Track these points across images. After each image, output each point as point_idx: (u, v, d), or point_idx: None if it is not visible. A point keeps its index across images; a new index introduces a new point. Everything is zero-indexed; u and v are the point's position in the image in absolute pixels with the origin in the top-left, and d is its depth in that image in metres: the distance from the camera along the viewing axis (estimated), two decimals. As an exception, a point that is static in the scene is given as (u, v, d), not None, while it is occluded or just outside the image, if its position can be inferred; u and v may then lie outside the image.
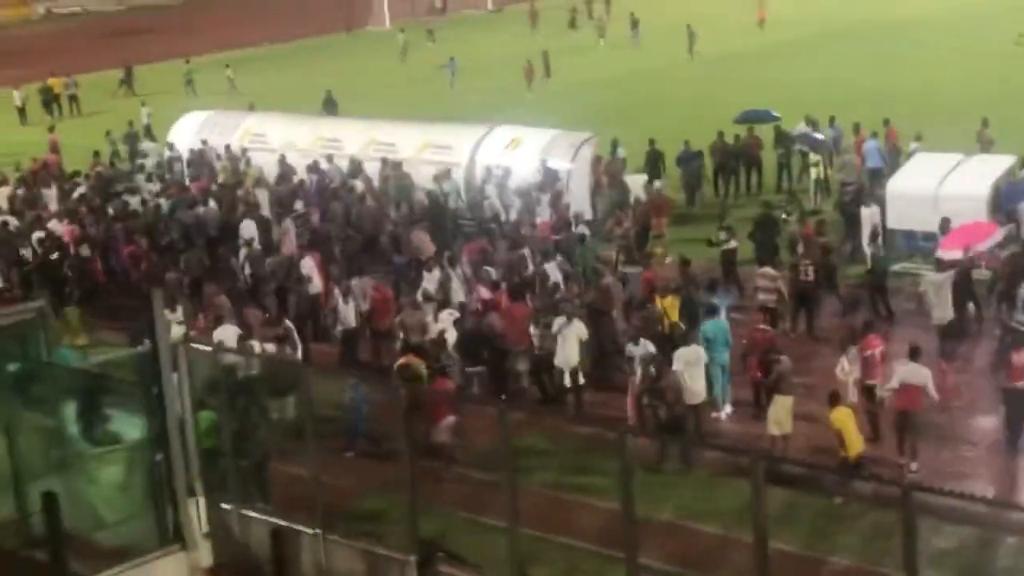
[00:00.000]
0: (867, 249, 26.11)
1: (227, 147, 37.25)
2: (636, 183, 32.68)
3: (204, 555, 15.84)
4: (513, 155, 32.59)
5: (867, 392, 19.82)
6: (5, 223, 31.13)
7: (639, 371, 20.65)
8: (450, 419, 19.59)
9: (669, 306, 22.66)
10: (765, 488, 12.12)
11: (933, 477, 17.81)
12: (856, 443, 18.06)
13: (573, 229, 27.77)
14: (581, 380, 21.80)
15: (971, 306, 23.78)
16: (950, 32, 59.18)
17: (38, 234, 30.19)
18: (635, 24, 65.02)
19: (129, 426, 15.72)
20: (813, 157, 33.60)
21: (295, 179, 33.78)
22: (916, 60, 52.69)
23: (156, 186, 34.93)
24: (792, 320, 24.58)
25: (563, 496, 18.54)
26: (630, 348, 21.10)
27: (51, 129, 47.29)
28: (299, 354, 22.20)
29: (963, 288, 23.20)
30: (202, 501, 15.78)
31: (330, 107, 48.10)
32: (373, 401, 20.41)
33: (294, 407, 18.14)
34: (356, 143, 35.20)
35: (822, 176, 33.24)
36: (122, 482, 15.67)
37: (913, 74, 49.41)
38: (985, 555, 16.53)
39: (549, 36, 66.62)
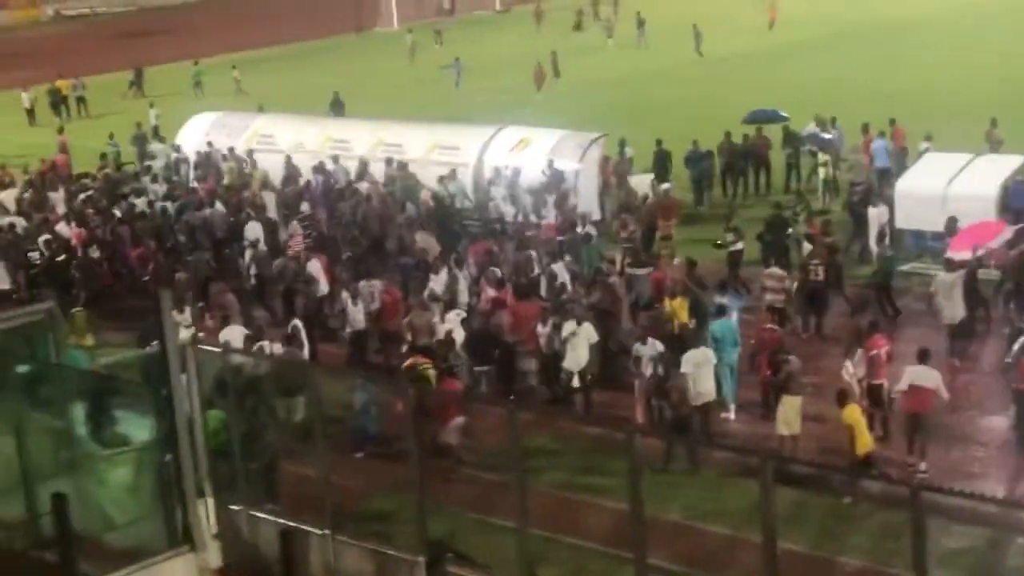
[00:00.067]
0: (874, 249, 26.06)
1: (231, 149, 37.24)
2: (643, 182, 32.67)
3: (213, 556, 15.83)
4: (521, 156, 32.60)
5: (872, 392, 19.78)
6: (12, 225, 31.17)
7: (647, 371, 20.64)
8: (459, 420, 19.57)
9: (678, 307, 22.64)
10: (774, 488, 12.11)
11: (943, 477, 17.79)
12: (867, 440, 18.03)
13: (579, 229, 27.74)
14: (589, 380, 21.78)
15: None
16: (950, 32, 59.14)
17: (45, 236, 30.23)
18: (641, 24, 64.91)
19: (138, 427, 15.69)
20: (821, 157, 33.58)
21: (301, 180, 33.80)
22: (918, 60, 52.72)
23: (163, 188, 34.98)
24: (803, 320, 24.55)
25: (572, 496, 18.52)
26: (638, 348, 21.06)
27: (60, 130, 47.36)
28: (306, 354, 22.20)
29: (971, 288, 23.19)
30: (211, 502, 15.77)
31: (337, 108, 48.14)
32: (381, 402, 20.42)
33: (303, 407, 18.13)
34: (365, 144, 35.19)
35: (830, 176, 33.22)
36: (131, 483, 15.66)
37: (917, 74, 49.40)
38: (995, 555, 16.50)
39: (556, 36, 66.54)
